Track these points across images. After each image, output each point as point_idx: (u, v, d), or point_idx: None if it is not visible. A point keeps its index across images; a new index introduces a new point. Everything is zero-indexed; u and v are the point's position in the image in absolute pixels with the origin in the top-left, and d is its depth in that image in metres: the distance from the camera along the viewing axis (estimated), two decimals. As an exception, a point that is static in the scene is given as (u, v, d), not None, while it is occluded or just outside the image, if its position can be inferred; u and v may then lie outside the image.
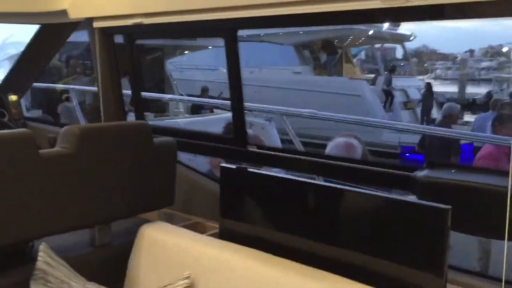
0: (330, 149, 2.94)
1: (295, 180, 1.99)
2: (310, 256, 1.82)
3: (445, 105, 8.19)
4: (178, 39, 10.47)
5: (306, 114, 4.96)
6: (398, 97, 16.51)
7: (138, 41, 2.77)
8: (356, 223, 1.77)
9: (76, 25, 2.93)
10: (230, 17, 2.15)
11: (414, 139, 12.48)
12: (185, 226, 2.34)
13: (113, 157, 2.07)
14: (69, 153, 1.93)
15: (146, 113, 9.25)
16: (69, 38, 3.28)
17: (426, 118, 15.67)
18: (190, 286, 1.89)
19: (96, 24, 2.69)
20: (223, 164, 2.15)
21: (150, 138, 2.18)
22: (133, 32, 2.68)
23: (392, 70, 16.80)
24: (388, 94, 16.11)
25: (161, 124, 6.88)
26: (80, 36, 3.78)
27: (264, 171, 2.23)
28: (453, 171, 1.83)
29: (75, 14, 2.63)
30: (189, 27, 2.44)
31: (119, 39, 2.79)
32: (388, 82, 16.25)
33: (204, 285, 1.89)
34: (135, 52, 2.77)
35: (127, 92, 2.89)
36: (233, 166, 2.14)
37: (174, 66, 16.31)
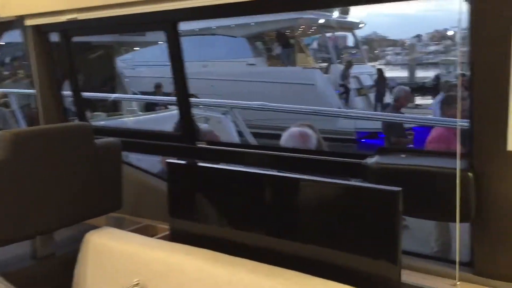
0: (285, 139, 2.89)
1: (246, 172, 1.92)
2: (264, 252, 1.76)
3: (395, 89, 8.32)
4: (117, 34, 10.18)
5: (256, 106, 4.90)
6: (351, 84, 16.73)
7: (84, 39, 2.64)
8: (309, 213, 1.71)
9: (8, 24, 2.75)
10: (169, 8, 2.05)
11: (369, 124, 12.70)
12: (135, 230, 2.24)
13: (51, 162, 1.94)
14: (1, 160, 1.80)
15: (97, 113, 8.98)
16: (2, 39, 3.08)
17: (379, 103, 15.94)
18: (140, 293, 1.80)
19: (28, 22, 2.54)
20: (170, 160, 2.04)
21: (91, 140, 2.06)
22: (68, 28, 2.53)
23: (348, 65, 16.96)
24: (346, 89, 16.30)
25: (111, 124, 6.67)
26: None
27: (213, 164, 2.14)
28: (403, 155, 1.80)
29: (4, 12, 2.47)
30: (127, 21, 2.32)
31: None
32: (344, 77, 16.43)
33: (155, 291, 1.81)
34: (72, 50, 2.63)
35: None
36: (182, 162, 2.05)
37: (126, 63, 15.96)
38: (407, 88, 8.02)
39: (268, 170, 2.13)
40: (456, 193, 1.60)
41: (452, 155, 1.67)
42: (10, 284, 1.76)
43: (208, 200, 1.97)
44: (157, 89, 12.77)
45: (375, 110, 15.34)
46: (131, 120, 8.09)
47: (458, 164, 1.60)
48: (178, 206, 2.01)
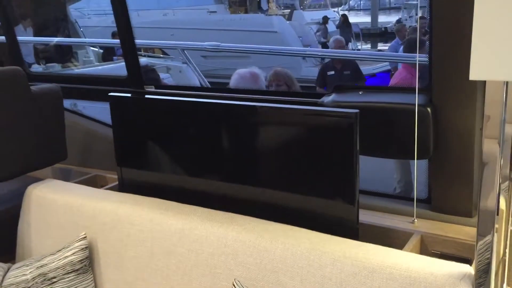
0: (235, 81, 2.79)
1: (196, 102, 1.78)
2: (218, 199, 1.68)
3: (329, 40, 8.24)
4: None
5: (209, 47, 4.72)
6: (314, 30, 16.55)
7: None
8: (263, 151, 1.63)
9: None
10: None
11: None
12: (83, 181, 2.12)
13: None
14: None
15: (51, 64, 8.60)
16: None
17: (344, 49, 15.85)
18: (87, 247, 1.70)
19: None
20: (113, 93, 1.87)
21: (25, 86, 1.89)
22: None
23: (325, 22, 16.63)
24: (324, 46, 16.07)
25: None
26: None
27: (162, 96, 1.98)
28: (360, 92, 1.72)
29: None
30: None
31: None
32: (325, 35, 16.16)
33: (103, 244, 1.72)
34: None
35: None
36: (126, 94, 1.89)
37: (80, 12, 15.25)
38: (340, 37, 7.94)
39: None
40: (414, 130, 1.54)
41: (411, 90, 1.60)
42: None
43: (156, 142, 1.84)
44: (114, 38, 12.31)
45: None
46: (87, 70, 7.76)
47: (416, 99, 1.53)
48: (125, 151, 1.89)
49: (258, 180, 1.64)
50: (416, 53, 1.65)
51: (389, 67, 8.46)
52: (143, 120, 1.84)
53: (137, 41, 2.16)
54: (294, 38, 15.69)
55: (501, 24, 0.98)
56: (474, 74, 1.03)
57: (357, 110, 1.41)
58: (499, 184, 1.13)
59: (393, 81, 4.77)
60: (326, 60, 6.47)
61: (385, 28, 20.11)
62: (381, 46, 17.01)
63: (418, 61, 1.62)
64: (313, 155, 1.51)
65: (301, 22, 16.62)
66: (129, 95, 1.89)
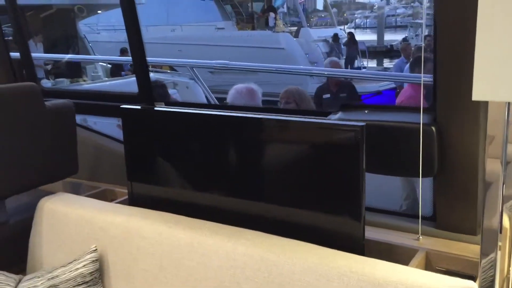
0: (232, 96, 2.82)
1: (204, 114, 1.80)
2: (226, 213, 1.71)
3: (325, 61, 8.29)
4: None
5: (217, 65, 4.78)
6: (321, 48, 16.63)
7: (42, 1, 2.47)
8: (271, 166, 1.66)
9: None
10: None
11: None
12: (93, 195, 2.16)
13: None
14: None
15: (60, 79, 8.67)
16: None
17: (350, 66, 15.92)
18: (98, 260, 1.74)
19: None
20: (124, 106, 1.91)
21: (40, 101, 1.94)
22: None
23: (335, 39, 16.70)
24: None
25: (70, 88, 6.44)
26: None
27: (174, 108, 2.02)
28: (366, 111, 1.76)
29: None
30: None
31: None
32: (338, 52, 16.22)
33: (113, 257, 1.75)
34: (18, 11, 2.46)
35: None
36: (136, 106, 1.93)
37: (90, 27, 15.44)
38: (335, 59, 7.99)
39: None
40: (419, 148, 1.57)
41: (416, 110, 1.64)
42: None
43: (165, 156, 1.87)
44: (123, 54, 12.42)
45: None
46: (95, 86, 7.85)
47: (421, 118, 1.56)
48: (136, 166, 1.93)
49: (266, 196, 1.67)
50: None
51: (394, 85, 8.51)
52: (153, 131, 1.88)
53: (148, 58, 2.22)
54: (301, 55, 15.78)
55: (503, 45, 1.02)
56: (477, 94, 1.07)
57: (363, 123, 1.44)
58: (502, 203, 1.16)
59: (399, 99, 4.80)
60: (322, 83, 6.40)
61: (391, 46, 20.23)
62: (386, 63, 17.06)
63: (424, 81, 1.66)
64: (319, 170, 1.54)
65: (308, 39, 16.73)
66: (139, 107, 1.93)
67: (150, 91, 2.28)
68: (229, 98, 2.84)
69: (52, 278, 1.72)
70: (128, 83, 7.65)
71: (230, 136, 1.72)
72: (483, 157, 1.53)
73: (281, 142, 1.64)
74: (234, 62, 4.90)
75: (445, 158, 1.61)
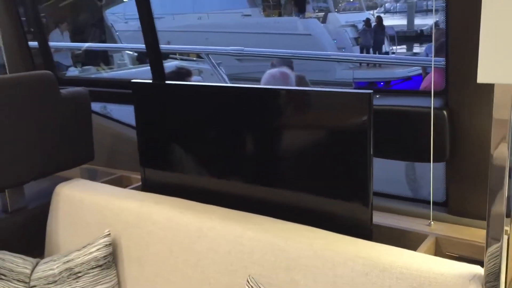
0: (265, 81, 2.83)
1: (216, 86, 1.78)
2: (236, 198, 1.73)
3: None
4: None
5: (233, 51, 4.77)
6: (349, 33, 16.41)
7: None
8: (278, 153, 1.66)
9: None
10: None
11: (367, 74, 12.50)
12: (109, 181, 2.20)
13: (15, 113, 1.87)
14: None
15: (87, 67, 8.79)
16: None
17: (377, 52, 15.66)
18: (111, 244, 1.77)
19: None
20: (134, 80, 1.92)
21: (55, 89, 1.98)
22: None
23: (367, 24, 16.38)
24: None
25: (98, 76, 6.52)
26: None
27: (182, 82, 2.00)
28: (377, 96, 1.73)
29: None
30: None
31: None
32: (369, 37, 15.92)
33: (126, 241, 1.78)
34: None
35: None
36: (147, 81, 1.93)
37: (117, 16, 15.59)
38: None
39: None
40: (430, 133, 1.54)
41: (428, 94, 1.60)
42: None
43: (177, 140, 1.89)
44: (150, 43, 12.50)
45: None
46: (121, 73, 7.95)
47: (432, 102, 1.53)
48: (148, 152, 1.95)
49: (276, 181, 1.67)
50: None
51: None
52: (163, 108, 1.88)
53: (162, 46, 2.23)
54: (328, 41, 15.61)
55: (509, 27, 0.99)
56: (482, 77, 1.04)
57: (371, 91, 1.42)
58: (509, 187, 1.13)
59: (423, 84, 4.74)
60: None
61: (421, 30, 19.79)
62: (416, 48, 16.72)
63: (436, 65, 1.63)
64: (328, 153, 1.53)
65: (336, 25, 16.52)
66: (150, 81, 1.93)
67: (164, 79, 2.30)
68: (263, 82, 2.85)
69: (67, 261, 1.77)
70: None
71: (241, 112, 1.70)
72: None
73: (293, 118, 1.63)
74: (248, 48, 4.88)
75: (457, 142, 1.58)
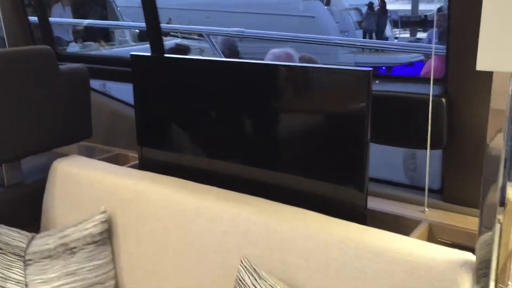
0: (269, 60, 2.81)
1: (215, 60, 1.77)
2: (232, 179, 1.73)
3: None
4: None
5: (234, 33, 4.74)
6: (352, 16, 16.27)
7: None
8: (276, 135, 1.66)
9: None
10: None
11: (369, 59, 12.44)
12: (106, 158, 2.21)
13: (13, 87, 1.87)
14: None
15: (88, 43, 8.74)
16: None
17: (380, 37, 15.56)
18: (107, 220, 1.78)
19: None
20: (134, 53, 1.91)
21: (54, 65, 1.97)
22: None
23: (370, 8, 16.22)
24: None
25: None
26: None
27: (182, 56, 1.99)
28: (377, 81, 1.73)
29: None
30: None
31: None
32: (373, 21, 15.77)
33: (121, 218, 1.80)
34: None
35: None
36: (146, 54, 1.92)
37: (118, -9, 15.43)
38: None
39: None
40: (428, 119, 1.55)
41: (427, 81, 1.60)
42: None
43: (174, 119, 1.88)
44: (151, 20, 12.39)
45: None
46: (122, 50, 7.90)
47: (431, 89, 1.53)
48: (145, 130, 1.95)
49: (271, 163, 1.68)
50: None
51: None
52: (162, 82, 1.87)
53: (162, 25, 2.22)
54: (331, 24, 15.47)
55: (510, 15, 0.99)
56: (481, 64, 1.04)
57: (371, 68, 1.42)
58: (504, 177, 1.14)
59: (424, 71, 4.72)
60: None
61: (425, 16, 19.63)
62: (420, 34, 16.61)
63: (437, 52, 1.62)
64: (324, 135, 1.54)
65: (339, 8, 16.37)
66: (149, 54, 1.92)
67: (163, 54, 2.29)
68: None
69: (63, 236, 1.78)
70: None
71: (239, 89, 1.70)
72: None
73: (292, 97, 1.62)
74: (249, 30, 4.84)
75: (454, 130, 1.58)
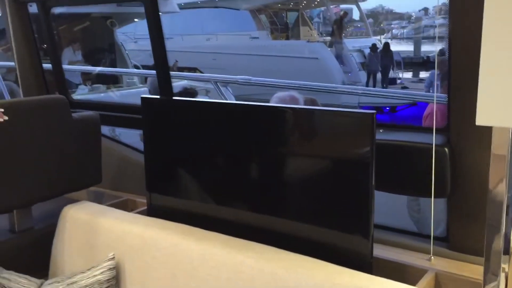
0: (274, 104, 2.85)
1: (222, 103, 1.82)
2: (238, 226, 1.75)
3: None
4: (96, 4, 10.09)
5: (241, 80, 4.84)
6: (356, 58, 16.52)
7: (81, 10, 2.57)
8: (281, 182, 1.69)
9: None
10: None
11: (374, 99, 12.54)
12: (115, 204, 2.23)
13: (27, 135, 1.92)
14: None
15: (96, 85, 8.91)
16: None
17: (383, 78, 15.74)
18: (115, 267, 1.80)
19: (6, -8, 2.49)
20: (144, 96, 1.96)
21: (67, 113, 2.03)
22: None
23: (373, 49, 16.50)
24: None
25: (107, 97, 6.58)
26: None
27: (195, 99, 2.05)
28: (381, 130, 1.77)
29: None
30: None
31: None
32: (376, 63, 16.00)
33: (130, 265, 1.81)
34: (51, 21, 2.57)
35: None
36: (156, 97, 1.97)
37: (127, 36, 15.78)
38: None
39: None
40: (432, 168, 1.57)
41: (430, 130, 1.64)
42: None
43: (183, 165, 1.92)
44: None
45: (382, 86, 15.12)
46: (130, 92, 8.04)
47: (434, 139, 1.57)
48: (154, 177, 1.99)
49: (276, 210, 1.70)
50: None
51: (427, 97, 8.37)
52: (171, 124, 1.91)
53: (172, 73, 2.28)
54: (335, 65, 15.71)
55: (508, 72, 1.03)
56: (481, 119, 1.08)
57: (374, 111, 1.45)
58: (507, 225, 1.16)
59: (427, 112, 4.77)
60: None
61: (427, 57, 19.90)
62: (423, 74, 16.82)
63: (438, 101, 1.66)
64: (329, 182, 1.56)
65: (344, 51, 16.63)
66: (158, 97, 1.96)
67: (172, 96, 2.34)
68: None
69: (71, 283, 1.79)
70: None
71: (246, 132, 1.73)
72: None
73: (298, 142, 1.66)
74: (256, 78, 4.93)
75: (458, 179, 1.61)
